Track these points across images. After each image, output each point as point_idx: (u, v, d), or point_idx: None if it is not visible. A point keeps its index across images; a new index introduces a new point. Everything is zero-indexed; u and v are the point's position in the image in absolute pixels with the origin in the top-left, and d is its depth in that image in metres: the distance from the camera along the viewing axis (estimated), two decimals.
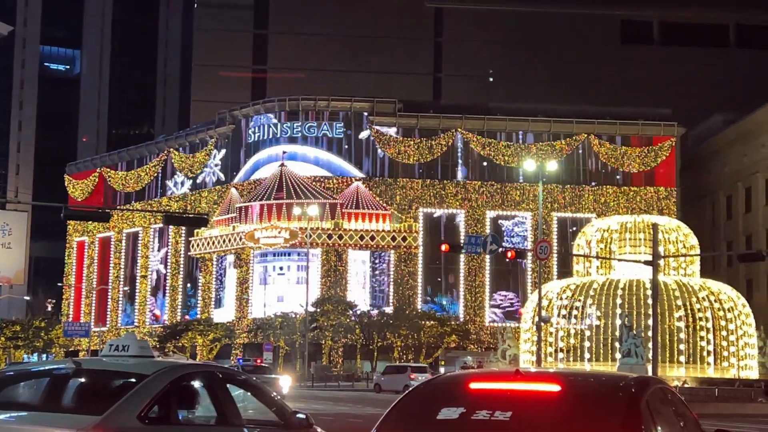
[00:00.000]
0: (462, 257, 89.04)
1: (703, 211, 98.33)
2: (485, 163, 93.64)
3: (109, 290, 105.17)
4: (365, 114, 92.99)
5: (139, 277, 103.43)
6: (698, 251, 63.20)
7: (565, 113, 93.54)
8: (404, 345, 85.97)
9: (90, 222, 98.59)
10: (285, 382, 51.05)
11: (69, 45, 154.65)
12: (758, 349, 60.63)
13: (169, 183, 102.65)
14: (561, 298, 60.50)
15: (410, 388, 7.57)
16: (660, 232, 53.89)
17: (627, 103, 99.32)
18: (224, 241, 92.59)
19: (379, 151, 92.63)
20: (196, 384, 9.78)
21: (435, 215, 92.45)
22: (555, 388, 6.93)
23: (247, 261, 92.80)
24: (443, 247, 48.16)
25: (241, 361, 63.08)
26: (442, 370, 79.42)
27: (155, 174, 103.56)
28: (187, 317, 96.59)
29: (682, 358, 57.83)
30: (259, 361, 68.12)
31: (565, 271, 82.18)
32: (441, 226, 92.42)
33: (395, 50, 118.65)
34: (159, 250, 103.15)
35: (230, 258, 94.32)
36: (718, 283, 62.26)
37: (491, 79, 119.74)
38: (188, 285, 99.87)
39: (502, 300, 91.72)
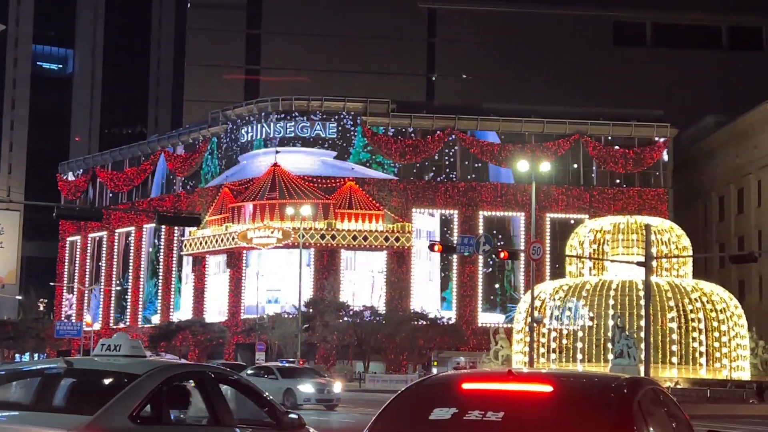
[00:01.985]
0: (455, 258, 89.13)
1: (696, 212, 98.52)
2: (478, 164, 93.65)
3: (101, 289, 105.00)
4: (359, 114, 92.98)
5: (131, 279, 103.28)
6: (691, 252, 63.32)
7: (558, 114, 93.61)
8: (397, 345, 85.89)
9: (82, 221, 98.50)
10: (338, 386, 45.77)
11: (61, 44, 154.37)
12: (750, 350, 60.74)
13: (162, 183, 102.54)
14: (554, 299, 60.57)
15: (403, 389, 7.56)
16: (652, 233, 53.98)
17: (620, 104, 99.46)
18: (217, 240, 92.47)
19: (372, 151, 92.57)
20: (188, 384, 9.77)
21: (428, 216, 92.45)
22: (547, 388, 6.93)
23: (240, 260, 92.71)
24: (436, 248, 48.09)
25: (284, 362, 58.16)
26: (434, 370, 79.42)
27: (148, 173, 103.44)
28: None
29: (675, 359, 57.92)
30: (301, 362, 65.70)
31: (558, 271, 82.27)
32: (434, 227, 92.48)
33: (388, 51, 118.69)
34: None
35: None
36: (711, 284, 62.38)
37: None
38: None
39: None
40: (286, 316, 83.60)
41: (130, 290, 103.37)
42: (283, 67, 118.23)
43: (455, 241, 67.10)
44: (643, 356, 49.22)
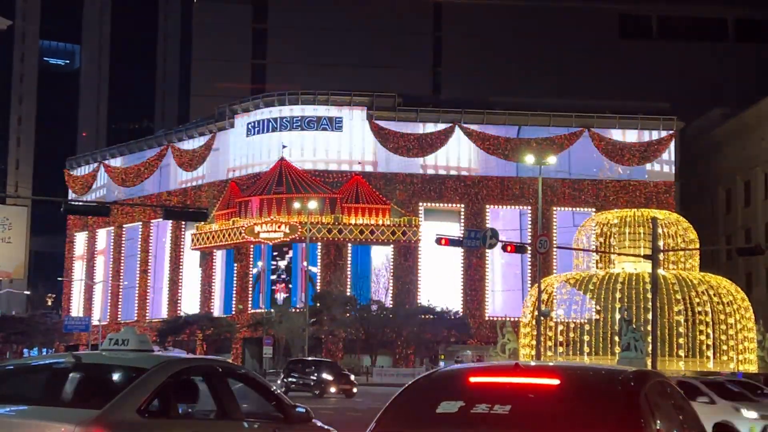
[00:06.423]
0: (461, 251, 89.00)
1: (703, 205, 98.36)
2: (485, 158, 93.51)
3: (109, 284, 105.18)
4: (365, 108, 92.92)
5: (138, 272, 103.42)
6: (697, 245, 63.26)
7: (564, 107, 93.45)
8: (404, 339, 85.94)
9: (90, 216, 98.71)
10: None
11: (68, 39, 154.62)
12: (757, 342, 60.70)
13: (169, 178, 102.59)
14: (561, 292, 60.57)
15: (410, 382, 7.58)
16: (659, 226, 53.94)
17: (626, 97, 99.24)
18: (224, 235, 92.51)
19: (379, 145, 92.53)
20: (196, 378, 9.79)
21: (434, 209, 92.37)
22: (554, 381, 6.94)
23: (247, 255, 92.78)
24: (442, 242, 47.95)
25: (740, 375, 43.26)
26: (441, 364, 79.44)
27: (155, 169, 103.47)
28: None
29: (682, 352, 57.89)
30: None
31: (564, 265, 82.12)
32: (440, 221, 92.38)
33: (395, 45, 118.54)
34: None
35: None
36: (718, 277, 62.31)
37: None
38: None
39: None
40: (293, 310, 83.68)
41: (137, 285, 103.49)
42: (289, 61, 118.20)
43: (462, 235, 67.08)
44: (650, 349, 49.20)
